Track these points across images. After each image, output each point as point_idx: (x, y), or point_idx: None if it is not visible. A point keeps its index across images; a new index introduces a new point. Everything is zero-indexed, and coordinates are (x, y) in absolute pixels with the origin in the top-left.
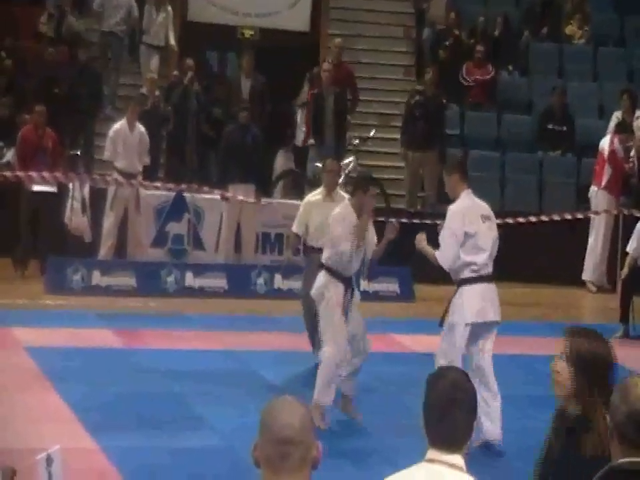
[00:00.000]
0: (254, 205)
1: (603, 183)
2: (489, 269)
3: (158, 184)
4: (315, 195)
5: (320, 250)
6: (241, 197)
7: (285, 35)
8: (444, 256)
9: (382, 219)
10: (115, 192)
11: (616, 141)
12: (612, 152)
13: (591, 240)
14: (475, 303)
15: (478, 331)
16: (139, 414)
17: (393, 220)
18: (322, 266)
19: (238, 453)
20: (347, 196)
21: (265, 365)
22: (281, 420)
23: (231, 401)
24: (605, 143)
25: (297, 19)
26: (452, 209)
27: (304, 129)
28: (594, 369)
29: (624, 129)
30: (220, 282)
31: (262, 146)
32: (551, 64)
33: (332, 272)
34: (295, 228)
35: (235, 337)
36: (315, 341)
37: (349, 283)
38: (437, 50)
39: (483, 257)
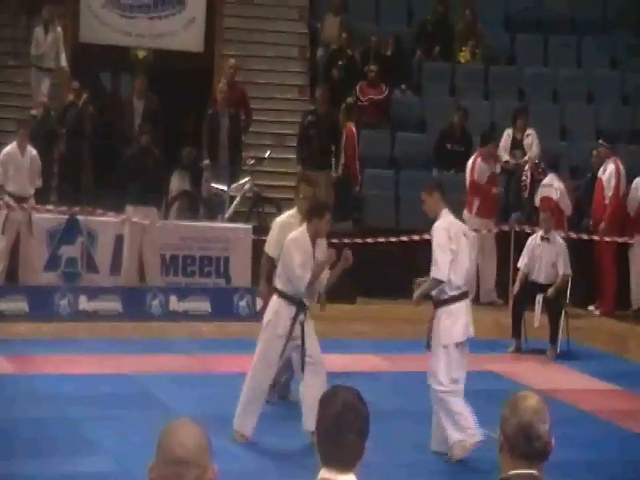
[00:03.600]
0: (156, 227)
1: (474, 211)
2: (467, 286)
3: (50, 207)
4: (289, 218)
5: None
6: (135, 219)
7: (179, 55)
8: (441, 270)
9: None
10: (6, 216)
11: (477, 165)
12: (472, 182)
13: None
14: (462, 321)
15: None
16: (32, 440)
17: (348, 250)
18: (275, 290)
19: (134, 476)
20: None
21: (161, 387)
22: (176, 441)
23: (127, 424)
24: (467, 169)
25: (191, 39)
26: (437, 225)
27: (345, 161)
28: None
29: (487, 140)
30: (114, 305)
31: (162, 169)
32: (443, 83)
33: (286, 297)
34: (271, 251)
35: (130, 360)
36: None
37: (302, 306)
38: (330, 70)
39: (463, 274)
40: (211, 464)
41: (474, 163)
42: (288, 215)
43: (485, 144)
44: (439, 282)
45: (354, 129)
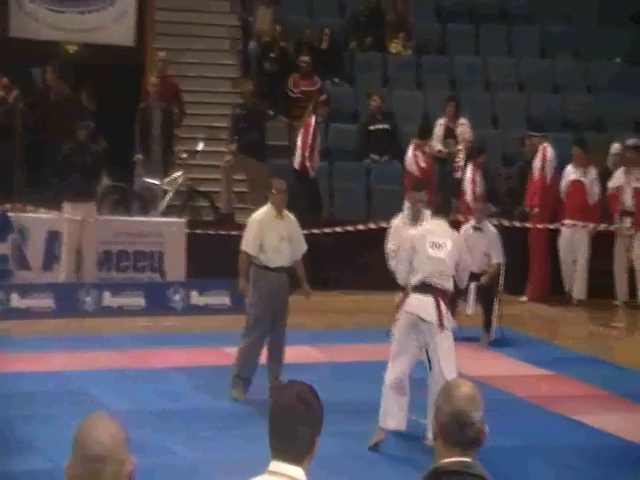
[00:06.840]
0: (96, 223)
1: None
2: None
3: None
4: (264, 214)
5: (276, 269)
6: (74, 216)
7: (110, 50)
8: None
9: (211, 232)
10: None
11: (414, 157)
12: (406, 173)
13: None
14: None
15: None
16: None
17: None
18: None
19: None
20: (291, 215)
21: (95, 383)
22: (90, 437)
23: (61, 422)
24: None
25: (122, 33)
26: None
27: (300, 152)
28: None
29: (424, 134)
30: (47, 302)
31: (102, 164)
32: (375, 73)
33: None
34: (248, 248)
35: (64, 357)
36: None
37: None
38: (262, 62)
39: None
40: (128, 456)
41: (412, 155)
42: (262, 211)
43: (422, 137)
44: None
45: (312, 122)
